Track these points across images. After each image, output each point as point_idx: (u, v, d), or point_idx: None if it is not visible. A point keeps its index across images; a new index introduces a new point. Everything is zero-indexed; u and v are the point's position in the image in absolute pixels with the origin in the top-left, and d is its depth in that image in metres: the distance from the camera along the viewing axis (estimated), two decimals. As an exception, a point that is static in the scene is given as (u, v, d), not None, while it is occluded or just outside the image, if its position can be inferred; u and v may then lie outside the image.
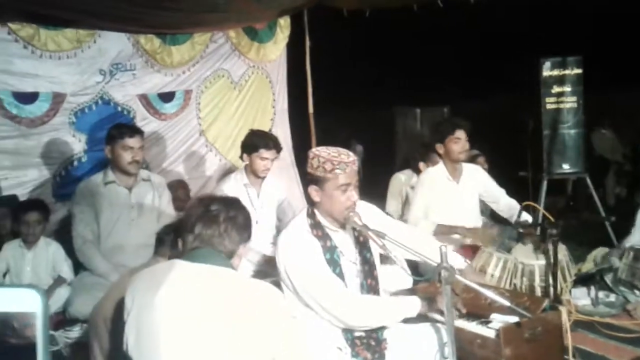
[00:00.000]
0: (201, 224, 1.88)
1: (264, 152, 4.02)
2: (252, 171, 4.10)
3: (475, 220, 4.16)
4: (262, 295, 1.78)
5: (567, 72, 5.82)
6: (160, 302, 1.71)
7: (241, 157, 4.15)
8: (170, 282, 1.74)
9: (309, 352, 2.17)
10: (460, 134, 4.02)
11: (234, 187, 4.08)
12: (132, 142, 3.71)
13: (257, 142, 4.05)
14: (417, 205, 4.05)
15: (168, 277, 1.75)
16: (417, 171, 4.87)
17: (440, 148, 4.06)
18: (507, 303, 2.23)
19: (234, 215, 1.92)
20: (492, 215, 4.57)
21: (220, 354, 1.67)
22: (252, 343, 1.69)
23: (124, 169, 3.74)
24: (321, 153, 2.45)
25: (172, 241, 2.30)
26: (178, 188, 5.13)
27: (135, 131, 3.82)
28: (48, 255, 3.78)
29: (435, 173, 4.12)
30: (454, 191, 4.07)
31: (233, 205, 1.97)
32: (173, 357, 1.67)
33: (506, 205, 4.08)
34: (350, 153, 2.51)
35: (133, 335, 1.74)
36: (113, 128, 3.86)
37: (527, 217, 3.74)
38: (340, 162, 2.41)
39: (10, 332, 1.25)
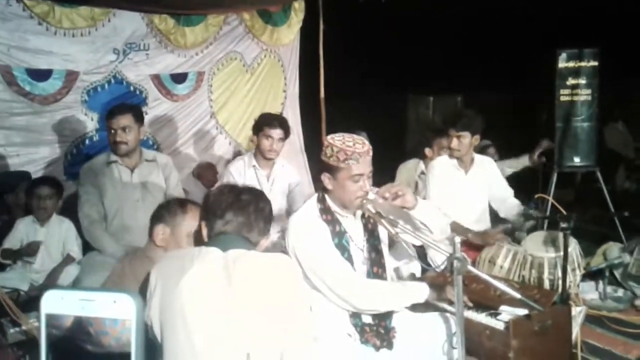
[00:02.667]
0: (232, 212, 1.92)
1: (267, 130, 4.06)
2: (260, 152, 4.14)
3: (481, 213, 4.13)
4: (284, 273, 1.81)
5: (582, 64, 5.75)
6: (184, 287, 1.72)
7: (252, 140, 4.21)
8: (196, 268, 1.76)
9: (318, 338, 2.20)
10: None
11: (243, 168, 4.15)
12: (114, 122, 3.66)
13: (262, 121, 4.14)
14: (431, 194, 4.03)
15: (194, 263, 1.77)
16: (423, 157, 4.80)
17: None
18: (518, 295, 2.23)
19: (262, 207, 1.98)
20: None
21: (243, 339, 1.69)
22: (272, 324, 1.72)
23: (113, 150, 3.73)
24: (335, 142, 2.45)
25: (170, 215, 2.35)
26: (207, 169, 5.29)
27: (120, 111, 3.70)
28: (60, 232, 3.80)
29: (443, 161, 4.10)
30: (462, 181, 4.04)
31: (261, 197, 2.03)
32: (196, 342, 1.69)
33: (511, 205, 4.00)
34: (366, 142, 2.49)
35: (156, 318, 1.76)
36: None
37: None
38: (353, 152, 2.41)
39: (86, 337, 1.25)
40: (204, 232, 1.98)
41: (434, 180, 4.03)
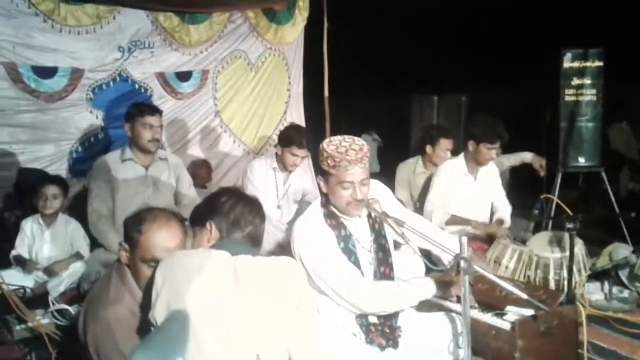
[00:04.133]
0: (253, 227, 1.96)
1: (295, 150, 4.13)
2: (282, 163, 4.22)
3: (487, 217, 4.16)
4: (289, 275, 1.85)
5: (588, 64, 5.74)
6: (194, 290, 1.71)
7: (275, 146, 4.32)
8: (207, 271, 1.74)
9: (324, 338, 2.20)
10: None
11: (264, 167, 4.26)
12: (153, 120, 3.76)
13: (292, 137, 4.15)
14: (434, 195, 4.03)
15: (205, 266, 1.75)
16: (423, 153, 4.77)
17: (471, 146, 4.02)
18: (525, 296, 2.22)
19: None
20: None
21: (253, 341, 1.70)
22: (280, 325, 1.73)
23: (144, 147, 3.78)
24: (328, 147, 2.40)
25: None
26: (201, 166, 5.28)
27: (156, 110, 3.87)
28: (67, 233, 3.78)
29: (454, 165, 4.09)
30: (470, 187, 4.05)
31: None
32: (206, 344, 1.68)
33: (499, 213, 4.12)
34: (365, 148, 2.42)
35: (163, 319, 1.73)
36: (133, 107, 3.89)
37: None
38: (342, 159, 2.36)
39: None
40: (213, 235, 1.95)
41: (439, 184, 4.03)
